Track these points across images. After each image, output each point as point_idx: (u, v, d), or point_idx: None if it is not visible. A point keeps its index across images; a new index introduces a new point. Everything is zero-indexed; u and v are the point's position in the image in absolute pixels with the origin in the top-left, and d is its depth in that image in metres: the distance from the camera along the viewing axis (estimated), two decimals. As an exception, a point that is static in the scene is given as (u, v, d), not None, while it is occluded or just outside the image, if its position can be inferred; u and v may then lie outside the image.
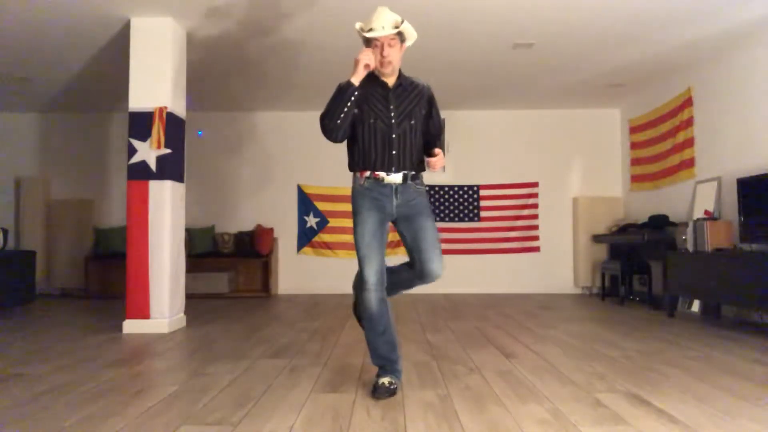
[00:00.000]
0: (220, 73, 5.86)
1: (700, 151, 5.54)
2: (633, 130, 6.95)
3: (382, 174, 2.61)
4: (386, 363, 2.59)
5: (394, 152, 2.61)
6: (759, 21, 4.54)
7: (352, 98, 2.57)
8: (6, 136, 7.56)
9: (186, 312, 4.80)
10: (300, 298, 6.90)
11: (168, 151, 4.44)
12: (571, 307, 5.82)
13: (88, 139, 7.59)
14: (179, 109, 4.67)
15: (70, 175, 7.58)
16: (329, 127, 2.59)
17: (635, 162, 6.93)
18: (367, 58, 2.55)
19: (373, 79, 2.65)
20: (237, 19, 4.50)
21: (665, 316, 5.09)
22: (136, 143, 4.43)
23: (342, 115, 2.56)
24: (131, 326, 4.32)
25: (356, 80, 2.56)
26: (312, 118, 7.39)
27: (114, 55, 5.22)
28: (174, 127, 4.53)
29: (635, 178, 6.94)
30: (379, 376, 2.58)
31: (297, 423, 2.12)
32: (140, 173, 4.41)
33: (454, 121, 7.50)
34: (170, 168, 4.46)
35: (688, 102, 5.70)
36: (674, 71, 5.85)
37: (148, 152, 4.42)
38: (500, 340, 3.85)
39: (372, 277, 2.54)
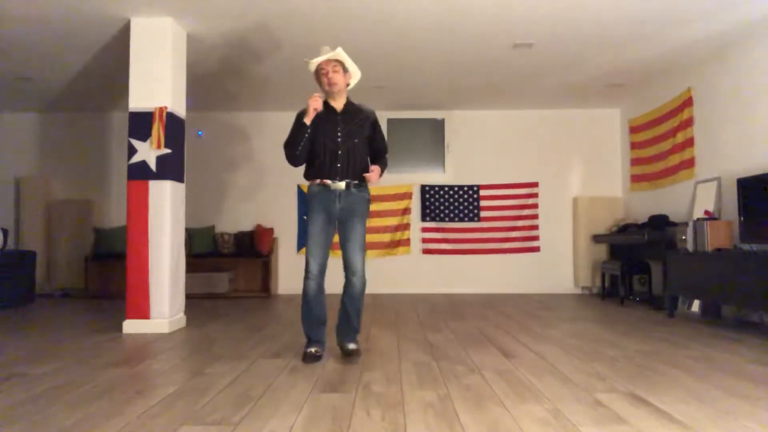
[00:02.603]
0: (221, 73, 5.86)
1: (700, 151, 5.54)
2: (633, 130, 6.95)
3: (328, 182, 3.19)
4: (314, 335, 3.31)
5: (339, 165, 3.19)
6: (759, 21, 4.55)
7: (306, 135, 3.17)
8: (6, 136, 7.56)
9: (186, 312, 4.80)
10: (300, 298, 6.89)
11: (168, 151, 4.44)
12: (571, 307, 5.82)
13: (88, 139, 7.60)
14: (179, 109, 4.67)
15: (70, 175, 7.58)
16: (290, 155, 3.22)
17: (635, 162, 6.93)
18: (316, 103, 3.13)
19: (325, 104, 3.23)
20: (237, 19, 4.50)
21: (665, 316, 5.09)
22: (136, 143, 4.43)
23: (300, 147, 3.19)
24: (131, 326, 4.32)
25: (308, 120, 3.15)
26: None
27: (114, 55, 5.23)
28: (174, 127, 4.53)
29: (635, 178, 6.94)
30: (307, 346, 3.29)
31: (297, 423, 2.12)
32: (140, 173, 4.41)
33: (454, 121, 7.51)
34: (170, 168, 4.45)
35: (688, 102, 5.70)
36: (674, 71, 5.86)
37: (148, 152, 4.42)
38: (500, 340, 3.85)
39: (315, 268, 3.21)
